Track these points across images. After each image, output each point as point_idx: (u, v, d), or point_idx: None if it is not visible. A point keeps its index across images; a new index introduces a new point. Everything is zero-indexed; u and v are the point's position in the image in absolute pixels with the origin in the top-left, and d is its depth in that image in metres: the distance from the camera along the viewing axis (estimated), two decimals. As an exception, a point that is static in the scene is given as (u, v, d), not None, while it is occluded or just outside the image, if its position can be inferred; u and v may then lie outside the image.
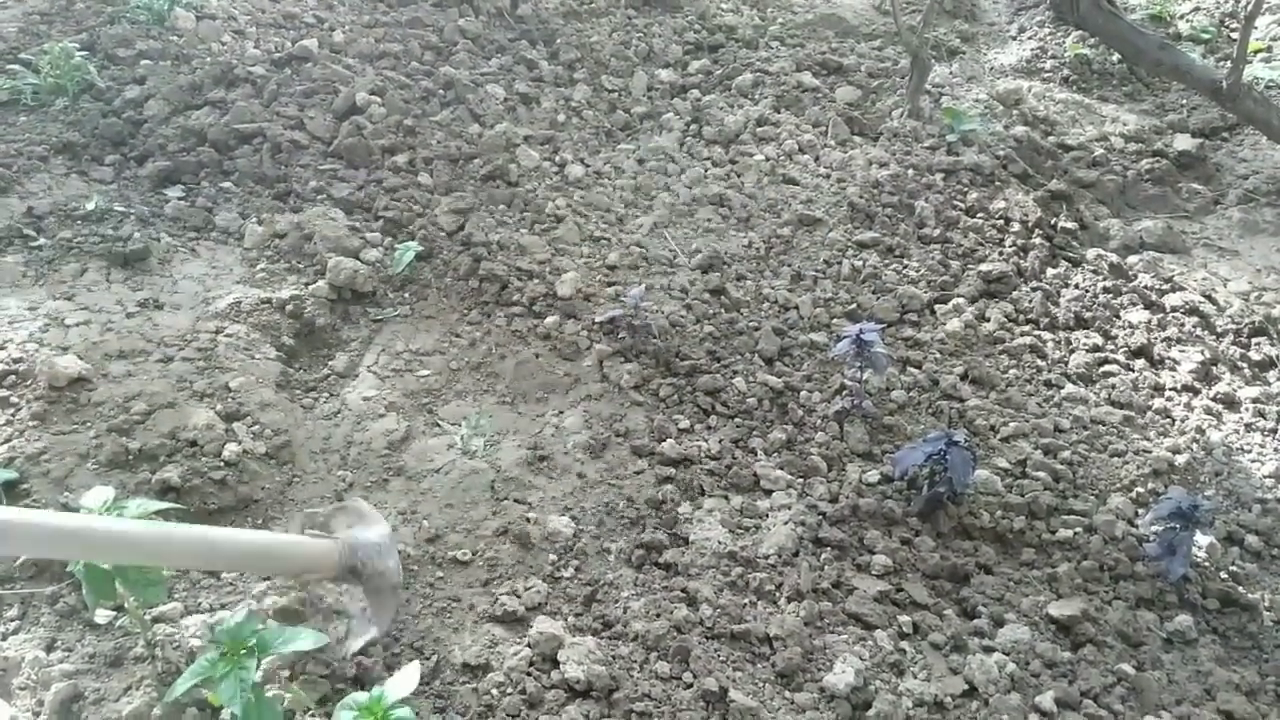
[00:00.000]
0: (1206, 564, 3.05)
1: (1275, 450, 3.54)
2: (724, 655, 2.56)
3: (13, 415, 2.87)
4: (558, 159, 4.60)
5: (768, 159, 4.82)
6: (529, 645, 2.47)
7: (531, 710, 2.33)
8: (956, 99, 5.50)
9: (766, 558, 2.84)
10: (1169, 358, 3.91)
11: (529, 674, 2.40)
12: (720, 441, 3.26)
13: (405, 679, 2.11)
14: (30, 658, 2.33)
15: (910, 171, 4.72)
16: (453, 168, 4.36)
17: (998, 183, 4.74)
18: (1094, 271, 4.30)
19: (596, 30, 5.77)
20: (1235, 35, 5.67)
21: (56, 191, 3.84)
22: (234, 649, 2.01)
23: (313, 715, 2.24)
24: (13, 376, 2.97)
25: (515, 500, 2.98)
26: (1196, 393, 3.76)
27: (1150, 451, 3.44)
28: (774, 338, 3.70)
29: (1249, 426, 3.63)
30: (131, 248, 3.53)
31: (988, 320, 3.97)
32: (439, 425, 3.24)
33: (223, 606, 2.49)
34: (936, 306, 4.03)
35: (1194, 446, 3.51)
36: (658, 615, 2.62)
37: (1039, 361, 3.82)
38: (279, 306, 3.50)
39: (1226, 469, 3.44)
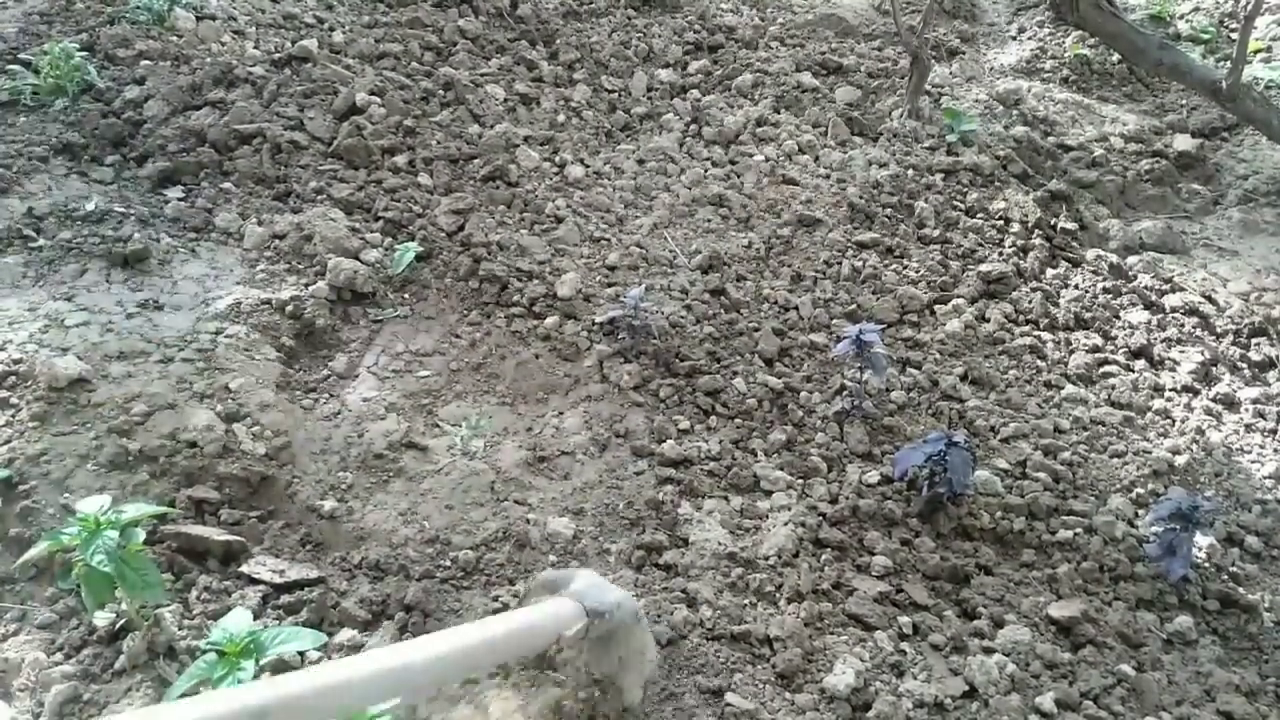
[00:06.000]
0: (1206, 565, 3.05)
1: (1275, 451, 3.54)
2: (724, 656, 2.56)
3: (13, 416, 2.87)
4: (558, 159, 4.60)
5: (767, 159, 4.82)
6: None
7: (531, 711, 2.32)
8: (956, 99, 5.50)
9: (766, 559, 2.84)
10: (1169, 358, 3.91)
11: (529, 675, 2.40)
12: (720, 442, 3.26)
13: None
14: (30, 659, 2.33)
15: (910, 172, 4.72)
16: (453, 168, 4.36)
17: (997, 183, 4.74)
18: (1094, 272, 4.30)
19: (596, 30, 5.76)
20: (1235, 35, 5.67)
21: (56, 192, 3.84)
22: (231, 650, 2.01)
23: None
24: (13, 377, 2.97)
25: (515, 501, 2.98)
26: (1196, 393, 3.76)
27: (1150, 452, 3.44)
28: (774, 338, 3.70)
29: (1249, 427, 3.64)
30: (131, 248, 3.52)
31: (988, 321, 3.97)
32: (439, 426, 3.24)
33: (226, 610, 2.49)
34: (936, 307, 4.03)
35: (1194, 447, 3.51)
36: (658, 616, 2.62)
37: (1039, 362, 3.82)
38: (279, 307, 3.50)
39: (1226, 470, 3.44)
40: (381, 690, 1.38)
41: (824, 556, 2.89)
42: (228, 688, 1.51)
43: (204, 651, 2.08)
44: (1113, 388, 3.74)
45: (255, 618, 2.41)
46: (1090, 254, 4.41)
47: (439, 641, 1.53)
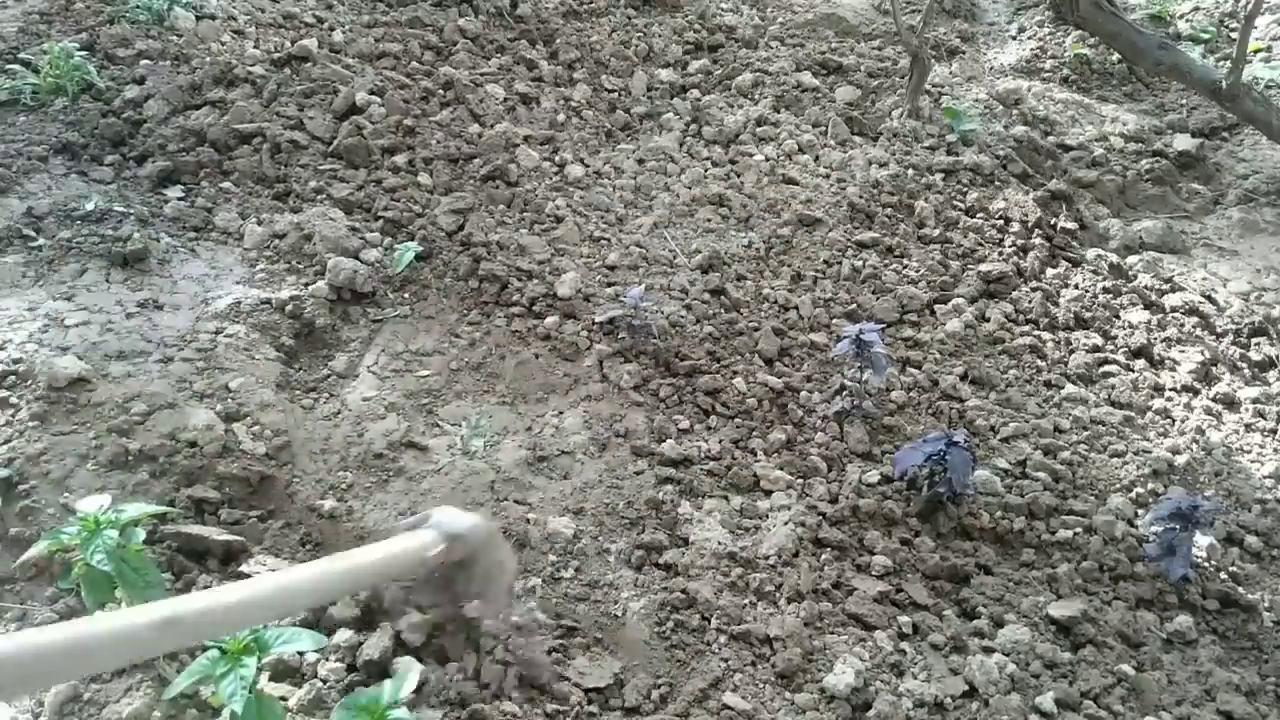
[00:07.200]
0: (1206, 564, 3.05)
1: (1275, 450, 3.54)
2: (723, 656, 2.56)
3: (12, 416, 2.87)
4: (558, 159, 4.60)
5: (767, 159, 4.82)
6: (529, 646, 2.47)
7: (531, 711, 2.32)
8: (956, 99, 5.50)
9: (766, 558, 2.84)
10: (1169, 358, 3.91)
11: (529, 675, 2.40)
12: (720, 442, 3.26)
13: (404, 680, 2.12)
14: (30, 659, 2.33)
15: (910, 171, 4.73)
16: (452, 168, 4.36)
17: (998, 183, 4.74)
18: (1094, 271, 4.30)
19: (596, 30, 5.76)
20: (1235, 35, 5.67)
21: (56, 192, 3.84)
22: (233, 648, 2.01)
23: (308, 716, 2.24)
24: (12, 377, 2.97)
25: (515, 501, 2.98)
26: (1196, 393, 3.76)
27: (1150, 452, 3.44)
28: (774, 338, 3.70)
29: (1249, 427, 3.64)
30: (131, 248, 3.52)
31: (987, 320, 3.97)
32: (439, 426, 3.24)
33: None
34: (936, 307, 4.03)
35: (1194, 447, 3.51)
36: (659, 621, 2.62)
37: (1039, 362, 3.82)
38: (279, 307, 3.50)
39: (1226, 469, 3.44)
40: (273, 610, 1.63)
41: (824, 556, 2.89)
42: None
43: (205, 649, 2.08)
44: (1113, 387, 3.74)
45: (255, 617, 2.41)
46: (1090, 254, 4.41)
47: (317, 568, 1.76)
